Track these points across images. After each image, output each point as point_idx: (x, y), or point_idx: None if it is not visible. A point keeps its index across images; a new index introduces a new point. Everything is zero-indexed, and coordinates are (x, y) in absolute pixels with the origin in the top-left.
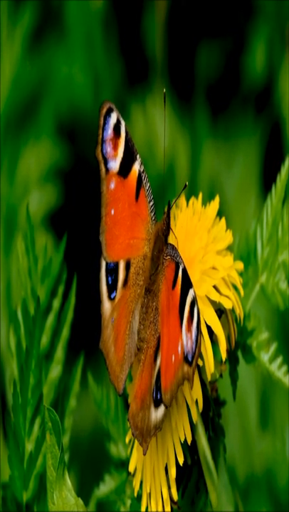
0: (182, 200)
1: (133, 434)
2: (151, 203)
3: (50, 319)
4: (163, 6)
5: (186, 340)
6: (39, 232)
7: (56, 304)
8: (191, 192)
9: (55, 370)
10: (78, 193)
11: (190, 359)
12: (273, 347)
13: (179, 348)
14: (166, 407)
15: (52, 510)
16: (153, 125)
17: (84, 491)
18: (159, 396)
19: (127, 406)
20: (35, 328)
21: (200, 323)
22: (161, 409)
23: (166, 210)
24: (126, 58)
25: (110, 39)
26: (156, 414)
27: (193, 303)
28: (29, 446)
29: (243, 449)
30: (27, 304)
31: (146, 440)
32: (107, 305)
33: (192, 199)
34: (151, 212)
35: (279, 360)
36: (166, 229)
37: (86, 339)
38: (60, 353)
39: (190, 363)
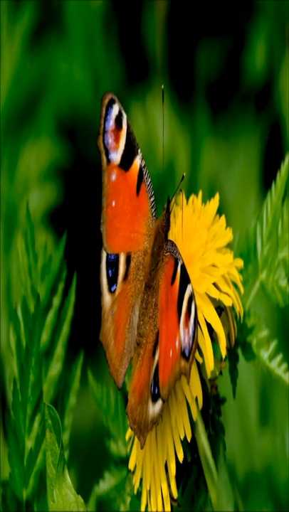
0: (182, 198)
1: (131, 428)
2: (152, 199)
3: (50, 317)
4: (163, 4)
5: (184, 336)
6: (39, 230)
7: (56, 301)
8: (191, 190)
9: (55, 368)
10: (78, 191)
11: (187, 354)
12: (273, 344)
13: (177, 343)
14: (163, 401)
15: (52, 508)
16: (153, 124)
17: (84, 489)
18: (156, 391)
19: (126, 402)
20: (35, 326)
21: (197, 318)
22: (159, 403)
23: (166, 206)
24: (126, 57)
25: (110, 38)
26: (154, 408)
27: (191, 298)
28: (29, 444)
29: (243, 446)
30: (27, 301)
31: (143, 434)
32: (107, 298)
33: (192, 197)
34: (152, 208)
35: (279, 357)
36: (167, 225)
37: (86, 337)
38: (60, 350)
39: (187, 358)
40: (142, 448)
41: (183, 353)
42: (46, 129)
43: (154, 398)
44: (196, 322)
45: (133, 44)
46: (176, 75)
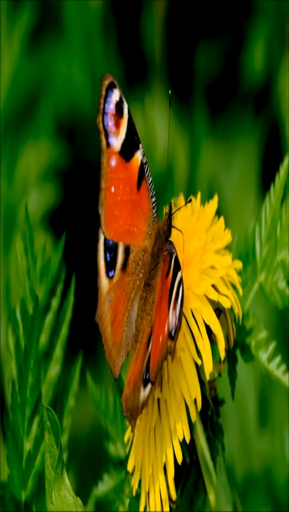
0: (181, 199)
1: (125, 416)
2: (154, 199)
3: (49, 318)
4: (162, 5)
5: (172, 318)
6: (38, 231)
7: (55, 303)
8: (189, 191)
9: (54, 370)
10: (77, 192)
11: (173, 334)
12: (272, 346)
13: (166, 328)
14: (152, 383)
15: (50, 510)
16: (152, 125)
17: (83, 490)
18: (147, 376)
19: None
20: (34, 328)
21: (183, 300)
22: (148, 386)
23: (167, 211)
24: (125, 58)
25: (109, 39)
26: (144, 392)
27: (180, 283)
28: (28, 446)
29: (242, 448)
30: (26, 303)
31: (135, 418)
32: (104, 282)
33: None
34: (153, 208)
35: (277, 359)
36: (168, 230)
37: (85, 338)
38: (58, 352)
39: (173, 338)
40: (132, 431)
41: (170, 334)
42: (45, 130)
43: (145, 383)
44: (182, 303)
45: (132, 45)
46: (175, 76)
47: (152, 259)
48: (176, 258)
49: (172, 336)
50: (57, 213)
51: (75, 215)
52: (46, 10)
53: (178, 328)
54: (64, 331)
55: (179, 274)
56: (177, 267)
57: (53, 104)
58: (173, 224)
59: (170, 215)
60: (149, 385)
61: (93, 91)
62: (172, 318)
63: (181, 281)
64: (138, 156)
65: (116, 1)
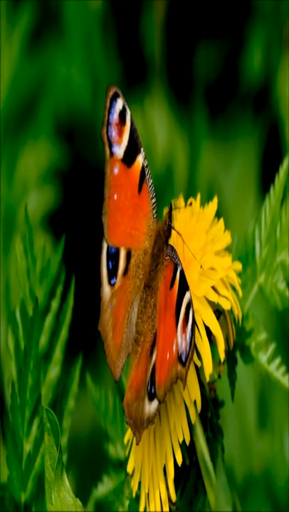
0: (180, 201)
1: (127, 422)
2: (154, 200)
3: (49, 320)
4: (161, 6)
5: (181, 341)
6: (37, 233)
7: (55, 304)
8: (189, 193)
9: (54, 371)
10: (77, 193)
11: (184, 359)
12: (271, 347)
13: (174, 347)
14: (159, 402)
15: (50, 511)
16: (151, 126)
17: (82, 492)
18: (153, 390)
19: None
20: (34, 329)
21: (194, 326)
22: (155, 403)
23: (168, 211)
24: (124, 59)
25: (109, 40)
26: (150, 407)
27: (189, 305)
28: (27, 447)
29: (242, 449)
30: (25, 304)
31: (139, 431)
32: (106, 289)
33: (190, 200)
34: (153, 209)
35: (277, 360)
36: (168, 230)
37: (85, 340)
38: (58, 353)
39: (183, 364)
40: (137, 444)
41: (180, 358)
42: (45, 131)
43: (151, 397)
44: (194, 329)
45: (131, 46)
46: (174, 77)
47: (152, 259)
48: (182, 273)
49: (183, 362)
50: (57, 214)
51: (74, 217)
52: (46, 10)
53: (189, 355)
54: (64, 332)
55: (187, 295)
56: (184, 286)
57: (52, 105)
58: (173, 225)
59: (170, 215)
60: (156, 402)
61: (93, 92)
62: (182, 342)
63: (190, 304)
64: (139, 160)
65: (116, 1)
